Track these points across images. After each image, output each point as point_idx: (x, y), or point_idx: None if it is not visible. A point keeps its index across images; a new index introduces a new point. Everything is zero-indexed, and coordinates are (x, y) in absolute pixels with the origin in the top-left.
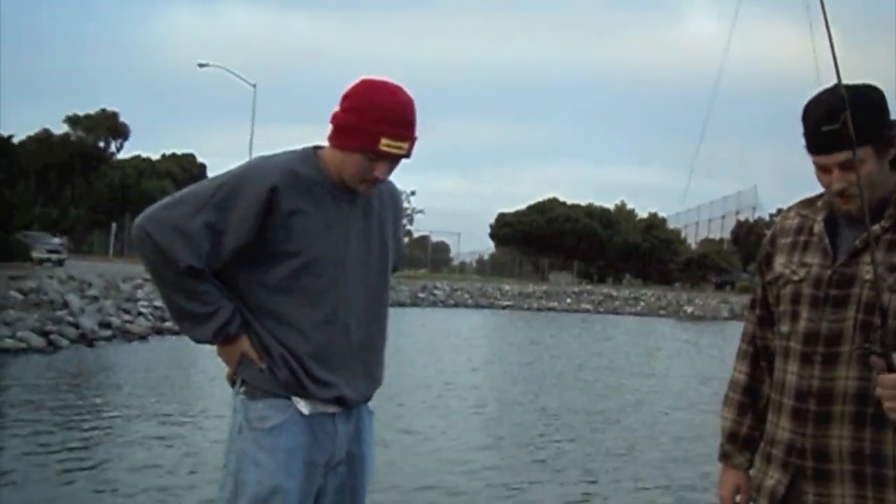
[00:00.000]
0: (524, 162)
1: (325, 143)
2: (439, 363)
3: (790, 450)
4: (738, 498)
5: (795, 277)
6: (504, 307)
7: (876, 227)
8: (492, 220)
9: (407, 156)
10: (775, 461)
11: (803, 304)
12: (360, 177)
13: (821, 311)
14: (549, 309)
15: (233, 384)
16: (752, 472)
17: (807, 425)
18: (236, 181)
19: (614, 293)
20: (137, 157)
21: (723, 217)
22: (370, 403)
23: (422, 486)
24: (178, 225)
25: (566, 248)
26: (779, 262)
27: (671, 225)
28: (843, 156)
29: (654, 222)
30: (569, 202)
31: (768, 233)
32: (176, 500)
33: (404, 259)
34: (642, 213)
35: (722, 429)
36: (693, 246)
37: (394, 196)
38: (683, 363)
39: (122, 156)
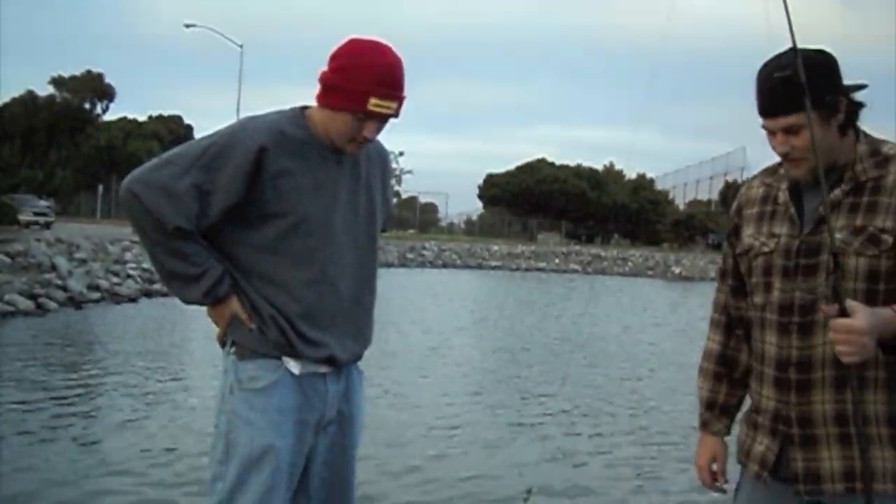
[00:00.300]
0: (513, 122)
1: (314, 103)
2: (426, 323)
3: (776, 417)
4: (714, 466)
5: (766, 249)
6: (492, 268)
7: (837, 192)
8: (480, 181)
9: (395, 115)
10: (762, 428)
11: (775, 275)
12: (349, 136)
13: (793, 280)
14: (538, 269)
15: (223, 345)
16: (739, 436)
17: (790, 394)
18: (224, 141)
19: (602, 253)
20: (123, 119)
21: (711, 178)
22: (360, 363)
23: (402, 443)
24: (166, 186)
25: (555, 208)
26: (747, 234)
27: (659, 186)
28: (787, 120)
29: (643, 183)
30: (557, 163)
31: (734, 204)
32: (163, 461)
33: (393, 219)
34: (631, 174)
35: (699, 398)
36: (681, 207)
37: (382, 156)
38: (668, 323)
39: (107, 117)
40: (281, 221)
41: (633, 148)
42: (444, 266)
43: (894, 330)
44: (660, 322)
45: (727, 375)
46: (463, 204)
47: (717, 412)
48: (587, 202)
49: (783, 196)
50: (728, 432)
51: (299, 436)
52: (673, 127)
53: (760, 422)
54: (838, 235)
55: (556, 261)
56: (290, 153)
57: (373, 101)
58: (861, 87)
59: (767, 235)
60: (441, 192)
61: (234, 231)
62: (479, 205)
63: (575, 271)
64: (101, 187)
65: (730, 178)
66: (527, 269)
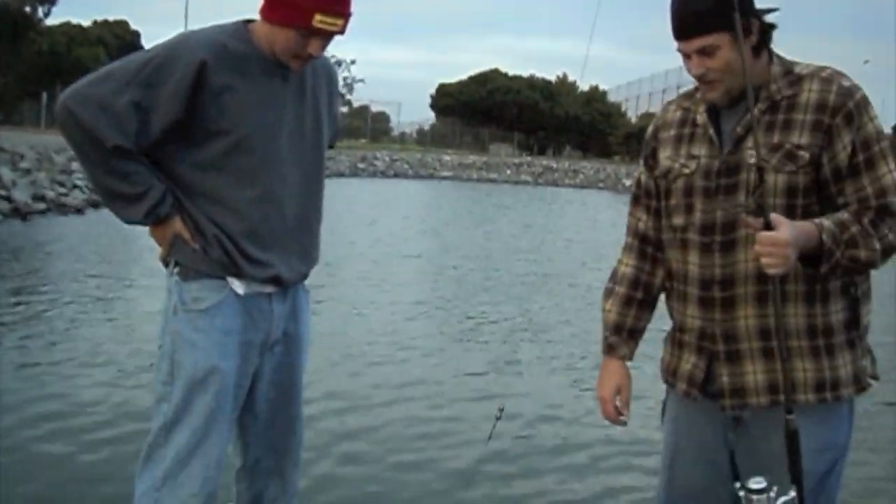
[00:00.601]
0: (466, 32)
1: (257, 17)
2: (376, 233)
3: (702, 335)
4: (618, 399)
5: (686, 170)
6: (444, 178)
7: (754, 111)
8: (433, 91)
9: (341, 32)
10: (689, 346)
11: (696, 196)
12: (292, 52)
13: (714, 200)
14: (489, 180)
15: (166, 265)
16: (663, 357)
17: (714, 311)
18: (164, 57)
19: (554, 165)
20: (67, 24)
21: (664, 91)
22: (306, 282)
23: (349, 355)
24: (104, 102)
25: (507, 119)
26: (665, 156)
27: (612, 98)
28: (701, 41)
29: (595, 95)
30: (510, 73)
31: (650, 128)
32: (112, 377)
33: (340, 134)
34: (583, 86)
35: (605, 321)
36: (633, 120)
37: (328, 71)
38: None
39: (50, 22)
40: (224, 139)
41: (587, 60)
42: (396, 176)
43: (815, 243)
44: (608, 231)
45: (638, 300)
46: (415, 113)
47: (624, 336)
48: (539, 113)
49: (701, 118)
50: (632, 357)
51: (244, 356)
52: (627, 39)
53: (686, 340)
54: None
55: (508, 172)
56: (233, 68)
57: (318, 17)
58: (772, 9)
59: (687, 157)
60: (393, 101)
61: (177, 149)
62: (432, 115)
63: (526, 183)
64: (45, 95)
65: (682, 92)
66: (478, 180)
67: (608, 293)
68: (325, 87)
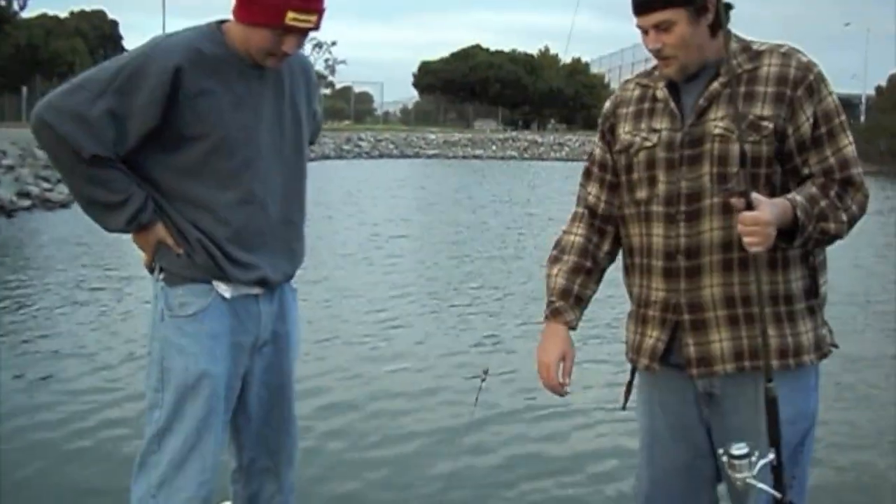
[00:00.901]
0: (447, 8)
1: (230, 17)
2: (362, 215)
3: (666, 307)
4: (561, 366)
5: (648, 143)
6: (429, 156)
7: (716, 85)
8: (415, 69)
9: (315, 28)
10: (652, 321)
11: (659, 168)
12: (267, 51)
13: (677, 171)
14: (475, 157)
15: (151, 271)
16: (627, 336)
17: (679, 281)
18: (137, 63)
19: (539, 139)
20: (44, 16)
21: (646, 61)
22: (293, 281)
23: (336, 334)
24: (78, 112)
25: (490, 95)
26: (625, 131)
27: (595, 70)
28: (658, 16)
29: (578, 67)
30: (492, 48)
31: (608, 104)
32: (99, 373)
33: (320, 131)
34: (566, 59)
35: (550, 287)
36: (616, 91)
37: (304, 67)
38: None
39: (26, 15)
40: (202, 143)
41: (572, 33)
42: (381, 156)
43: (790, 218)
44: None
45: (586, 268)
46: (398, 93)
47: (571, 301)
48: (523, 88)
49: (662, 93)
50: (576, 326)
51: (234, 359)
52: (606, 6)
53: (650, 315)
54: (720, 124)
55: (493, 148)
56: (208, 72)
57: (290, 15)
58: None
59: (648, 131)
60: (376, 81)
61: (155, 155)
62: (415, 93)
63: (512, 158)
64: (24, 89)
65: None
66: (464, 157)
67: (554, 260)
68: (303, 85)
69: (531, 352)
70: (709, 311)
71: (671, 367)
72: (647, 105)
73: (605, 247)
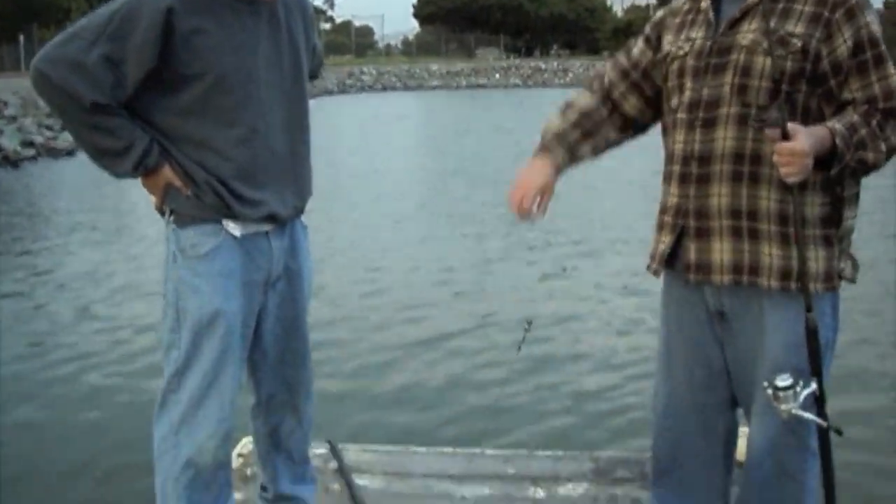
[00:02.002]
0: None
1: None
2: (368, 149)
3: (677, 212)
4: (539, 195)
5: (680, 52)
6: (433, 88)
7: None
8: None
9: None
10: (666, 227)
11: (687, 76)
12: None
13: (702, 79)
14: (479, 86)
15: (162, 214)
16: (651, 247)
17: (690, 187)
18: (129, 7)
19: (542, 66)
20: None
21: None
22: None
23: (349, 275)
24: (74, 61)
25: (492, 23)
26: (667, 41)
27: None
28: None
29: None
30: None
31: (659, 12)
32: (111, 319)
33: (322, 65)
34: None
35: (546, 129)
36: (619, 14)
37: (301, 3)
38: None
39: None
40: (200, 82)
41: None
42: (384, 89)
43: (828, 146)
44: None
45: (585, 130)
46: (399, 24)
47: (564, 144)
48: (525, 15)
49: (705, 3)
50: (561, 172)
51: (248, 297)
52: None
53: (666, 220)
54: (749, 36)
55: (497, 76)
56: (200, 10)
57: None
58: None
59: (684, 40)
60: (376, 14)
61: (155, 98)
62: (416, 24)
63: (516, 86)
64: (21, 38)
65: None
66: (468, 87)
67: (559, 111)
68: (299, 18)
69: (527, 270)
70: (714, 219)
71: (681, 278)
72: (690, 16)
73: (609, 125)
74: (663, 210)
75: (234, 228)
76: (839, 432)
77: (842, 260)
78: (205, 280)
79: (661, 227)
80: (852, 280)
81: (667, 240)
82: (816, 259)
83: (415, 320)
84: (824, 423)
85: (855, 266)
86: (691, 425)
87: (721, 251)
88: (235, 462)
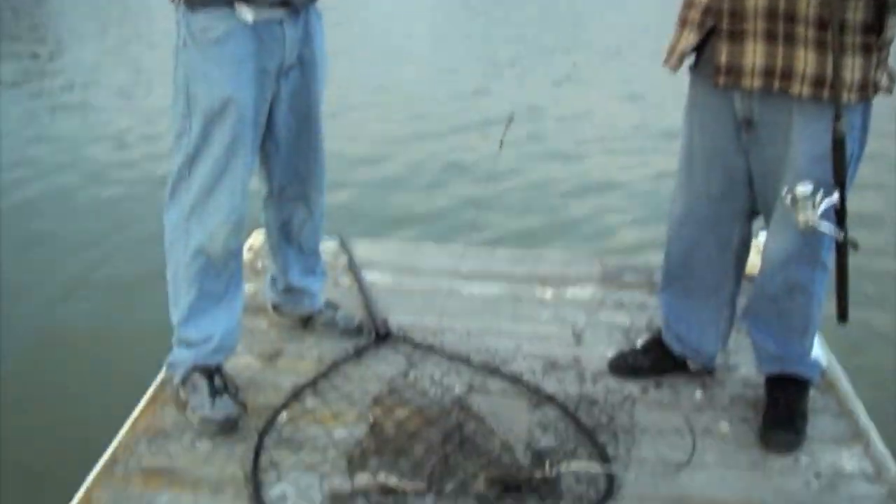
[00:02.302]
0: None
1: None
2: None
3: (707, 11)
4: None
5: None
6: None
7: None
8: None
9: None
10: (692, 23)
11: None
12: None
13: None
14: None
15: None
16: (671, 41)
17: None
18: None
19: None
20: None
21: None
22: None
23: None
24: None
25: None
26: None
27: None
28: None
29: None
30: None
31: None
32: (128, 101)
33: None
34: None
35: None
36: None
37: None
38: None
39: None
40: None
41: None
42: None
43: None
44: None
45: None
46: None
47: None
48: None
49: None
50: None
51: (260, 84)
52: None
53: (692, 17)
54: None
55: None
56: None
57: None
58: None
59: None
60: None
61: None
62: None
63: None
64: None
65: None
66: None
67: None
68: None
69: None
70: (749, 21)
71: (708, 83)
72: None
73: None
74: (689, 4)
75: (246, 13)
76: (855, 245)
77: (879, 70)
78: (216, 65)
79: (684, 22)
80: (889, 90)
81: (691, 37)
82: (853, 67)
83: (420, 116)
84: (842, 234)
85: (892, 77)
86: (706, 234)
87: (754, 54)
88: (246, 255)
